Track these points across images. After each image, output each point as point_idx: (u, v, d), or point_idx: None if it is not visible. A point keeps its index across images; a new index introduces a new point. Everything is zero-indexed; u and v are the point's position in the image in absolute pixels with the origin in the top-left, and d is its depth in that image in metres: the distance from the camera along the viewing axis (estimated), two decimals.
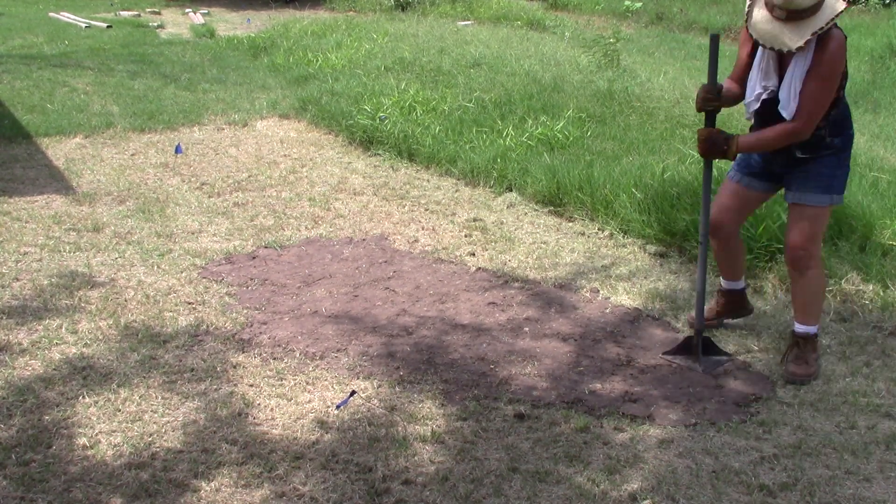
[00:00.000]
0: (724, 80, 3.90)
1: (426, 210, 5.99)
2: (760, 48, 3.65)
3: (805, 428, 3.45)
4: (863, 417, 3.53)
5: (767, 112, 3.71)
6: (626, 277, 4.91)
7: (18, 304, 4.35)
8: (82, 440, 3.27)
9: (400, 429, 3.39)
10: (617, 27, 12.25)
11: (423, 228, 5.64)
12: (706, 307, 4.21)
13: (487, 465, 3.17)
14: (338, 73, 9.73)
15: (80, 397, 3.55)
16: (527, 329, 4.27)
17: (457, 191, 6.42)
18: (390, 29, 12.16)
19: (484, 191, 6.40)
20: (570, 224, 5.74)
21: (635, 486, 3.07)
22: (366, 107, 7.92)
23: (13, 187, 6.18)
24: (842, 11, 3.46)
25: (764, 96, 3.69)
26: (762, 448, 3.31)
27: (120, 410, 3.47)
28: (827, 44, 3.50)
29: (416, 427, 3.41)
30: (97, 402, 3.52)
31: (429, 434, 3.35)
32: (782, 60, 3.65)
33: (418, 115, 7.74)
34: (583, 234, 5.59)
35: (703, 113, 3.84)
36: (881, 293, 4.49)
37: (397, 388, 3.70)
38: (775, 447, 3.32)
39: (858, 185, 5.55)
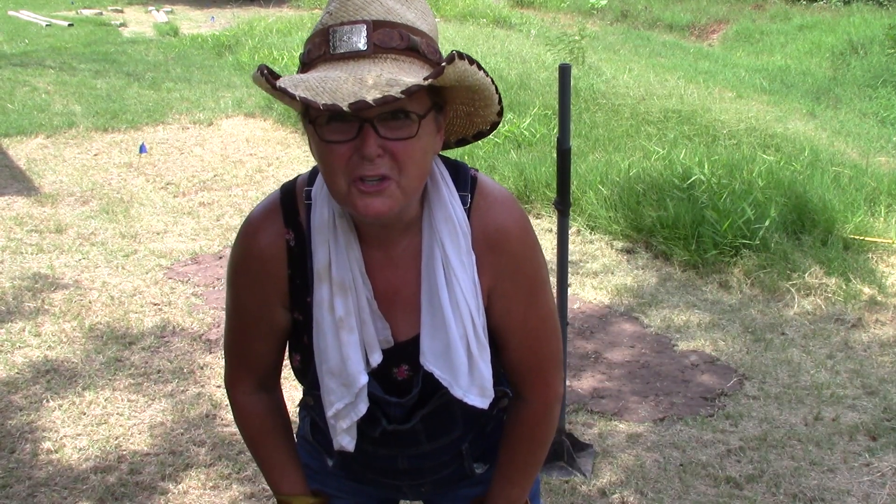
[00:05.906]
0: None
1: None
2: None
3: (771, 420, 3.50)
4: (827, 409, 3.58)
5: None
6: (595, 273, 4.93)
7: None
8: (47, 444, 3.22)
9: None
10: (582, 24, 12.31)
11: None
12: None
13: None
14: None
15: (45, 401, 3.50)
16: None
17: None
18: None
19: None
20: (538, 221, 5.75)
21: (604, 480, 3.09)
22: None
23: None
24: None
25: None
26: (729, 441, 3.35)
27: (85, 413, 3.43)
28: None
29: None
30: (62, 406, 3.47)
31: None
32: None
33: None
34: (551, 230, 5.60)
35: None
36: (843, 286, 4.55)
37: None
38: (741, 440, 3.36)
39: (820, 181, 5.63)
